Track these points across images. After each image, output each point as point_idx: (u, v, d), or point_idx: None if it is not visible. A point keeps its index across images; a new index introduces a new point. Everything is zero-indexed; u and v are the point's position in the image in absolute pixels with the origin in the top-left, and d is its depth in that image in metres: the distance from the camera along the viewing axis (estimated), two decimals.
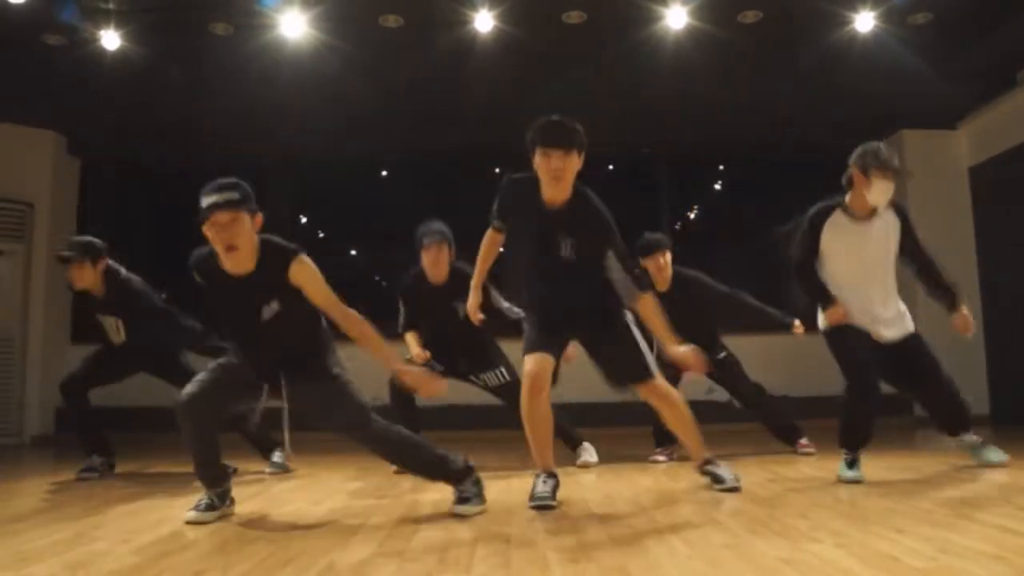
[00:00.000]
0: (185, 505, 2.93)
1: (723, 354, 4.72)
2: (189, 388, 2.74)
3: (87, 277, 4.13)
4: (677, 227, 7.89)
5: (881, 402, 3.50)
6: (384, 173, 7.96)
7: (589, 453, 4.40)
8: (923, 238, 3.68)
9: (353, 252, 8.09)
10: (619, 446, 4.95)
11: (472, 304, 3.50)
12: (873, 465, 3.58)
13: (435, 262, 4.27)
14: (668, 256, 4.59)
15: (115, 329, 4.25)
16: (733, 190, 8.26)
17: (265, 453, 4.36)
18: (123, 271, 4.26)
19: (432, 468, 2.93)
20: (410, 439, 2.92)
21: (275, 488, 3.70)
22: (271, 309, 2.75)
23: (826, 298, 3.53)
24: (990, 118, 6.88)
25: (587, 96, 6.12)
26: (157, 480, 4.11)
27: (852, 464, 3.48)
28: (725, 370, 4.71)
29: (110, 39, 5.39)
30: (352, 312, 2.79)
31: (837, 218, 3.55)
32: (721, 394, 4.98)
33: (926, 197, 7.04)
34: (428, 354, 4.30)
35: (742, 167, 8.02)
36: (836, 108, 6.56)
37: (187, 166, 6.32)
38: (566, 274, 3.13)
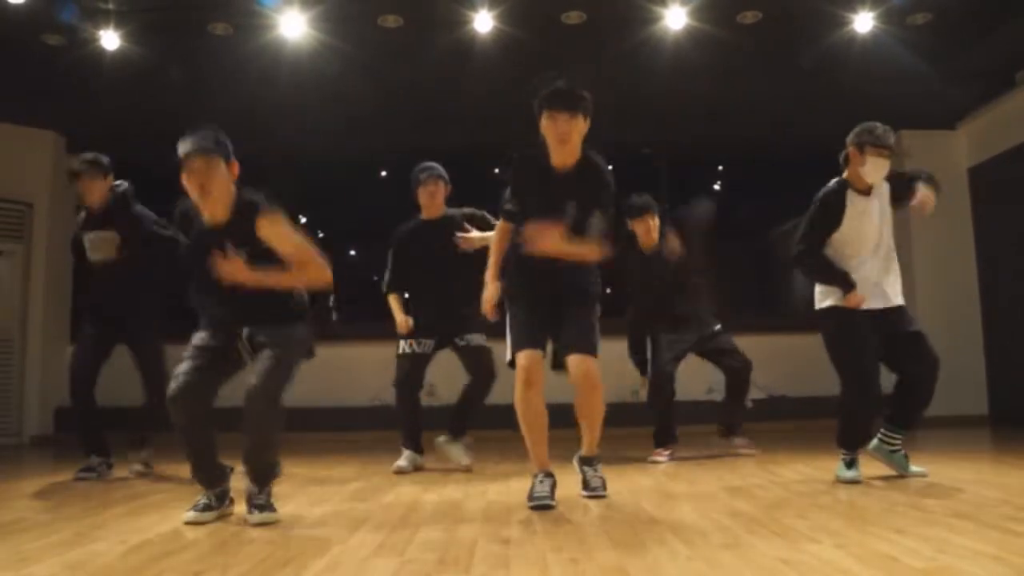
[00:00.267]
0: (184, 505, 2.93)
1: (717, 327, 4.75)
2: (173, 385, 2.75)
3: (97, 191, 4.24)
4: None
5: (881, 403, 3.50)
6: (384, 173, 7.96)
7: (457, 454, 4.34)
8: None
9: (353, 252, 8.10)
10: (619, 446, 4.96)
11: (489, 296, 3.37)
12: (872, 465, 3.58)
13: (432, 196, 4.39)
14: (656, 219, 4.73)
15: (100, 246, 4.22)
16: (733, 190, 8.26)
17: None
18: (125, 184, 4.38)
19: (266, 472, 2.89)
20: (278, 440, 2.88)
21: (275, 488, 3.70)
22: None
23: (846, 282, 3.47)
24: (990, 118, 6.88)
25: None
26: (156, 480, 4.11)
27: (851, 464, 3.49)
28: (715, 341, 4.73)
29: (110, 39, 5.39)
30: (318, 260, 2.81)
31: (850, 194, 3.54)
32: (720, 394, 4.98)
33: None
34: (411, 321, 4.33)
35: (742, 167, 8.02)
36: (836, 108, 6.56)
37: None
38: (568, 235, 3.10)
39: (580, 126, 3.07)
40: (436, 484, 3.76)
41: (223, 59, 5.72)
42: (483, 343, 4.32)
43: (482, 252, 4.16)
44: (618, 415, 4.63)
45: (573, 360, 3.11)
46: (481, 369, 4.32)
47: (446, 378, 4.47)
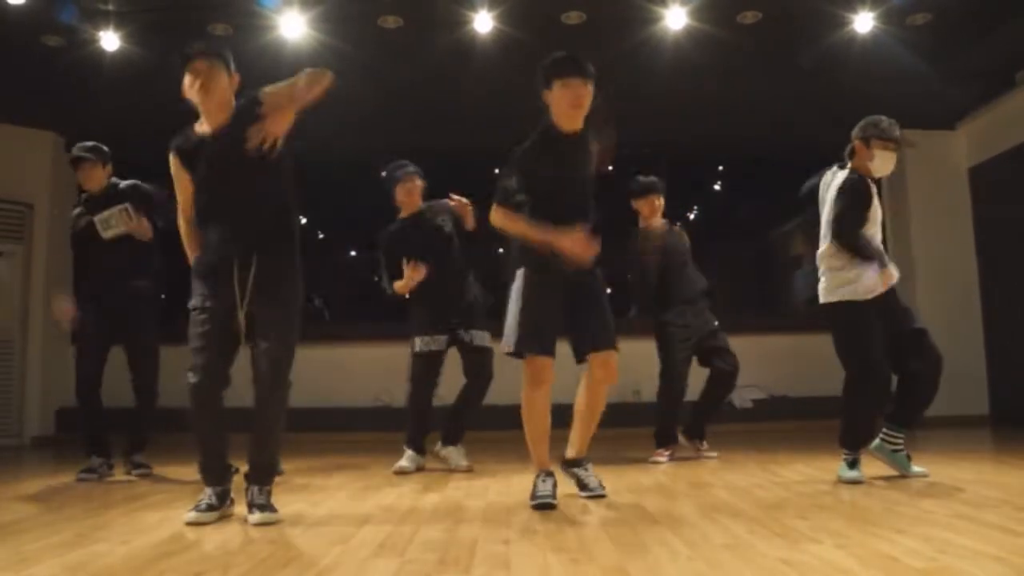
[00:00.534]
0: (185, 506, 2.93)
1: (715, 323, 4.73)
2: (193, 375, 2.79)
3: (96, 177, 4.32)
4: (677, 227, 7.88)
5: (889, 394, 3.50)
6: (384, 173, 7.96)
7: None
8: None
9: (353, 252, 8.10)
10: (619, 447, 4.96)
11: (555, 234, 3.21)
12: (873, 465, 3.58)
13: (409, 193, 4.51)
14: (661, 200, 4.81)
15: (112, 221, 4.25)
16: (733, 190, 8.26)
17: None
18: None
19: (268, 471, 2.92)
20: (281, 422, 2.89)
21: (275, 488, 3.70)
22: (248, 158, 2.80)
23: (884, 260, 3.46)
24: (990, 118, 6.88)
25: None
26: (157, 481, 4.11)
27: (853, 464, 3.48)
28: (713, 339, 4.67)
29: (109, 40, 5.39)
30: (313, 72, 3.02)
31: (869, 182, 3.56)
32: None
33: (926, 197, 7.06)
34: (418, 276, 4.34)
35: (742, 167, 8.02)
36: (836, 108, 6.56)
37: None
38: (581, 193, 3.18)
39: (591, 92, 3.12)
40: (436, 484, 3.76)
41: None
42: (486, 343, 4.32)
43: (470, 238, 4.31)
44: (618, 415, 4.64)
45: (599, 357, 3.14)
46: (482, 372, 4.34)
47: (446, 378, 4.47)
